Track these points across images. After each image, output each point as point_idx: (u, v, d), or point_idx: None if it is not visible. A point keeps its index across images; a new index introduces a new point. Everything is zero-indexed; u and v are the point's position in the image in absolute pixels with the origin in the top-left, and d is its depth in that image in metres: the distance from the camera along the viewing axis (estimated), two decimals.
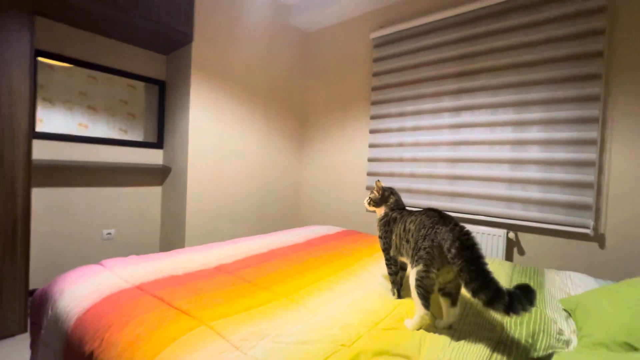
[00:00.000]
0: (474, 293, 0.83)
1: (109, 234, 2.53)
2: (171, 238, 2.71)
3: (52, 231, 2.25)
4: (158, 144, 2.80)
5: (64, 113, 2.32)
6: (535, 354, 0.87)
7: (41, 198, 2.19)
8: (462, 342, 0.91)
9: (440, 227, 0.97)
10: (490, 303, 0.81)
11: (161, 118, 2.80)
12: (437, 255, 0.96)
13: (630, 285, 0.99)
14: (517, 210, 2.15)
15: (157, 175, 2.80)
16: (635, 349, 0.76)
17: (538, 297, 1.24)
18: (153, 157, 2.77)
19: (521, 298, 0.79)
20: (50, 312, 1.08)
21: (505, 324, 1.01)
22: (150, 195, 2.77)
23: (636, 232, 1.83)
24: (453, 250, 0.89)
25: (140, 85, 2.69)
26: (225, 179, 2.80)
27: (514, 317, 0.82)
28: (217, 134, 2.72)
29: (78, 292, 1.08)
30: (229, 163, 2.82)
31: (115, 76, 2.53)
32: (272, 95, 3.16)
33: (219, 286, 1.18)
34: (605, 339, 0.83)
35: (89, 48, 2.37)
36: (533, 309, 0.83)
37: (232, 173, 2.85)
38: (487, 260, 1.71)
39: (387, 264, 1.26)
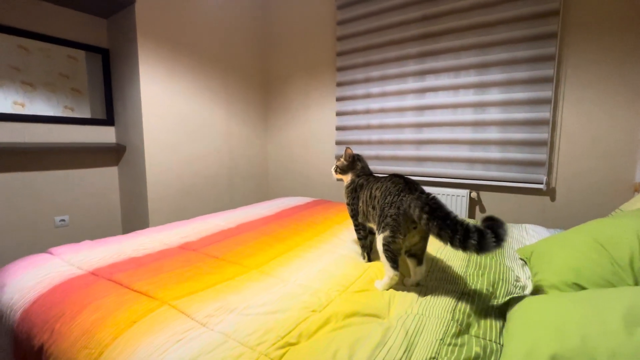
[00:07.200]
0: (462, 244, 0.81)
1: (63, 220, 2.34)
2: (133, 221, 2.56)
3: None
4: (108, 120, 2.55)
5: None
6: (495, 301, 0.92)
7: None
8: (428, 297, 0.94)
9: (407, 195, 0.97)
10: (480, 246, 0.79)
11: (108, 92, 2.54)
12: (402, 222, 0.96)
13: (577, 231, 1.06)
14: (478, 171, 2.24)
15: (111, 154, 2.59)
16: (582, 288, 0.82)
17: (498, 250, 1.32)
18: (104, 135, 2.53)
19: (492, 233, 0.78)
20: None
21: (468, 277, 1.06)
22: (106, 177, 2.57)
23: (582, 184, 1.98)
24: (425, 216, 0.88)
25: (81, 56, 2.39)
26: (186, 154, 2.64)
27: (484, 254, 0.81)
28: (173, 106, 2.52)
29: (22, 284, 0.98)
30: (189, 137, 2.65)
31: (50, 45, 2.22)
32: (231, 63, 2.95)
33: (183, 264, 1.13)
34: (556, 281, 0.89)
35: (14, 12, 2.03)
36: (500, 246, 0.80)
37: (194, 148, 2.70)
38: None
39: (356, 230, 1.27)
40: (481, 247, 0.78)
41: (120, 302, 0.86)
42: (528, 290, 0.99)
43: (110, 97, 2.55)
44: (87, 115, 2.45)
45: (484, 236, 0.78)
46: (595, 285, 0.82)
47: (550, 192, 2.07)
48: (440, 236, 0.86)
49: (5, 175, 2.06)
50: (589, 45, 1.89)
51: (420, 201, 0.92)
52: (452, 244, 0.83)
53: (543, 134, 2.02)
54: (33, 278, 1.01)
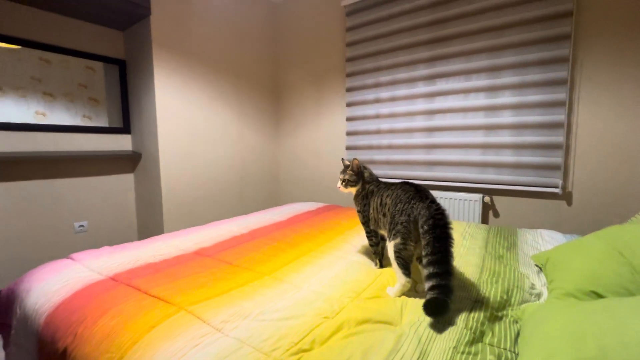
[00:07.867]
0: (428, 264, 0.89)
1: (82, 226, 2.42)
2: (149, 226, 2.63)
3: (19, 228, 2.11)
4: (125, 128, 2.64)
5: (17, 101, 2.11)
6: (510, 309, 0.91)
7: (1, 193, 2.03)
8: None
9: (417, 203, 0.98)
10: (431, 277, 0.87)
11: (125, 101, 2.62)
12: (413, 229, 0.97)
13: (594, 237, 1.04)
14: (491, 175, 2.21)
15: (127, 162, 2.66)
16: (600, 296, 0.81)
17: (511, 255, 1.30)
18: (121, 143, 2.61)
19: (448, 296, 0.84)
20: (18, 311, 1.03)
21: (481, 284, 1.05)
22: (122, 183, 2.65)
23: (600, 188, 1.93)
24: (425, 227, 0.92)
25: (99, 67, 2.48)
26: (200, 161, 2.70)
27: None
28: (187, 115, 2.58)
29: (46, 288, 1.03)
30: (202, 144, 2.71)
31: (70, 57, 2.31)
32: (242, 72, 3.01)
33: (198, 270, 1.15)
34: (573, 289, 0.87)
35: (36, 26, 2.13)
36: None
37: (207, 155, 2.75)
38: (465, 224, 1.77)
39: (367, 237, 1.27)
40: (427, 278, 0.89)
41: (139, 307, 0.89)
42: (543, 298, 0.97)
43: (126, 106, 2.63)
44: (104, 124, 2.53)
45: (436, 276, 0.87)
46: (613, 293, 0.80)
47: (566, 196, 2.02)
48: (424, 247, 0.92)
49: (27, 183, 2.14)
50: (604, 47, 1.85)
51: (428, 211, 0.94)
52: (425, 261, 0.91)
53: (558, 137, 1.98)
54: (56, 283, 1.05)
